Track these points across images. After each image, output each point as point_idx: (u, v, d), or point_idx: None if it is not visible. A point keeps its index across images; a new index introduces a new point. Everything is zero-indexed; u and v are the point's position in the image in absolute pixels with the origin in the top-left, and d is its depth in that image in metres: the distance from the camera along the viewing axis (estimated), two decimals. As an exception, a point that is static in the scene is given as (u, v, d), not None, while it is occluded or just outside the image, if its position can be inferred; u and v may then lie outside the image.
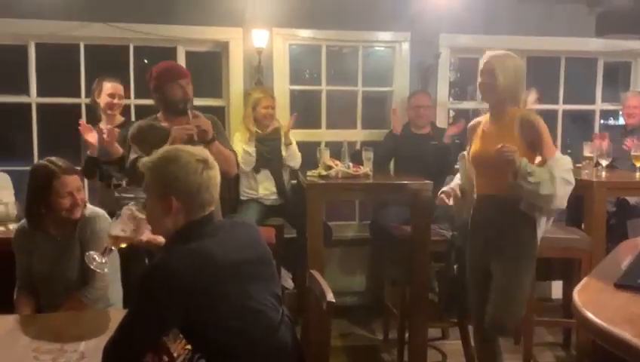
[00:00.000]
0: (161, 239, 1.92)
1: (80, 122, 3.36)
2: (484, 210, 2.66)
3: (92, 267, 1.97)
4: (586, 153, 3.64)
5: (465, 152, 2.83)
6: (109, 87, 3.52)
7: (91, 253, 1.95)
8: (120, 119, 3.57)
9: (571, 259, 3.31)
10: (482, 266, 2.67)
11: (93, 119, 3.69)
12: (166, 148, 1.82)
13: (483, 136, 2.66)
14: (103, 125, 3.51)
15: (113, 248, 1.93)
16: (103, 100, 3.52)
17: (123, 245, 1.93)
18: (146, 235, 1.93)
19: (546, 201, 2.46)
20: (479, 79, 2.62)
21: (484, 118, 2.73)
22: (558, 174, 2.43)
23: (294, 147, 3.95)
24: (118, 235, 1.87)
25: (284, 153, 3.92)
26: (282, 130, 3.96)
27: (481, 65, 2.63)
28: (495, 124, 2.62)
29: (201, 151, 1.78)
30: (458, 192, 2.80)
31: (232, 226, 1.84)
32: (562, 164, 2.48)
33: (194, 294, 1.57)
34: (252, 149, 3.82)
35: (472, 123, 2.83)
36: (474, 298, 2.75)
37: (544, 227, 2.62)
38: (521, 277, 2.56)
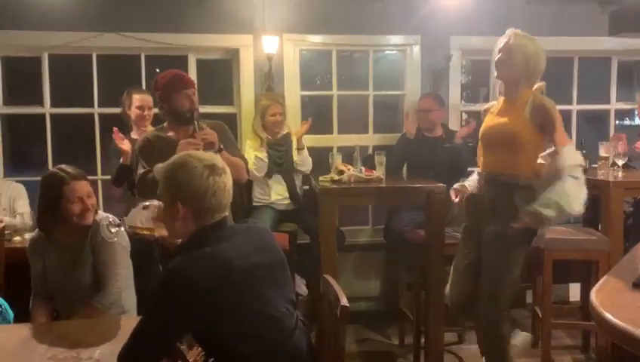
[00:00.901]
0: None
1: (114, 129, 3.38)
2: (487, 187, 2.64)
3: (102, 236, 2.02)
4: (602, 153, 3.60)
5: None
6: (137, 99, 3.56)
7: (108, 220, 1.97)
8: (151, 129, 3.59)
9: (589, 261, 3.27)
10: (475, 243, 2.65)
11: (115, 129, 3.75)
12: (178, 154, 1.82)
13: (493, 114, 2.67)
14: (133, 135, 3.56)
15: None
16: (133, 113, 3.57)
17: (145, 232, 1.95)
18: (162, 232, 1.93)
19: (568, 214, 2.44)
20: (497, 55, 2.60)
21: (497, 101, 2.73)
22: (567, 170, 2.39)
23: (306, 152, 3.95)
24: (135, 225, 1.89)
25: (295, 158, 3.92)
26: (294, 135, 3.97)
27: (500, 43, 2.61)
28: (507, 104, 2.62)
29: (211, 157, 1.78)
30: (468, 190, 2.77)
31: (247, 231, 1.83)
32: (572, 158, 2.43)
33: (209, 298, 1.56)
34: (264, 155, 3.83)
35: (485, 107, 2.83)
36: (464, 284, 2.73)
37: None
38: (511, 258, 2.53)
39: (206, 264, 1.59)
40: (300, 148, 3.92)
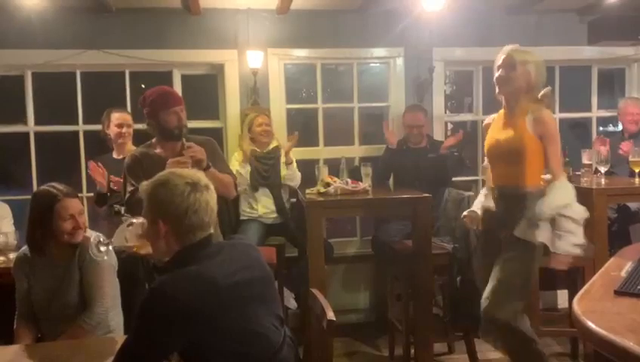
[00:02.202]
0: None
1: (90, 165, 3.45)
2: (499, 200, 2.68)
3: (91, 254, 2.05)
4: (585, 160, 3.63)
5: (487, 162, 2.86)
6: (116, 117, 3.61)
7: (98, 239, 1.96)
8: (131, 148, 3.59)
9: (575, 268, 3.29)
10: (491, 255, 2.67)
11: (100, 148, 3.80)
12: (162, 172, 1.81)
13: (495, 127, 2.71)
14: (115, 154, 3.63)
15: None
16: (112, 131, 3.60)
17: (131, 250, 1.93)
18: (147, 249, 1.91)
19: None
20: (497, 72, 2.63)
21: (497, 115, 2.76)
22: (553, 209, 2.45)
23: (295, 166, 3.95)
24: (121, 243, 1.87)
25: (283, 172, 3.92)
26: (282, 149, 3.97)
27: (499, 60, 2.64)
28: (508, 117, 2.65)
29: (193, 174, 1.76)
30: (479, 213, 2.80)
31: (232, 247, 1.82)
32: (559, 199, 2.47)
33: (193, 317, 1.55)
34: (245, 170, 3.82)
35: (486, 122, 2.86)
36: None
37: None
38: (518, 268, 2.55)
39: (191, 282, 1.58)
40: (288, 163, 3.92)
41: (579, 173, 3.60)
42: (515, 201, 2.58)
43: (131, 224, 1.87)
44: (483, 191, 2.90)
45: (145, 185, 1.76)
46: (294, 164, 3.95)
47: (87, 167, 3.64)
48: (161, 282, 1.60)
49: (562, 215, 2.44)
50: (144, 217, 1.74)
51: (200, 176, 1.78)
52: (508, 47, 2.64)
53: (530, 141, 2.53)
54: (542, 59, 2.66)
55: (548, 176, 2.56)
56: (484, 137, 2.87)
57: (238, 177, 3.76)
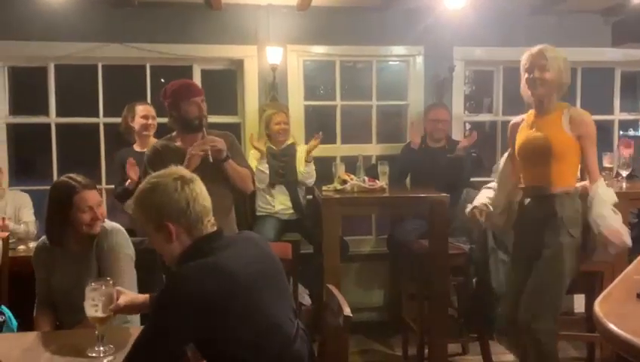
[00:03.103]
0: (133, 295, 1.95)
1: (129, 161, 3.43)
2: (532, 201, 2.65)
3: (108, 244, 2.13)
4: (606, 164, 3.58)
5: (500, 162, 2.82)
6: (141, 109, 3.66)
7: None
8: (153, 140, 3.62)
9: (593, 272, 3.25)
10: (525, 257, 2.65)
11: (120, 141, 3.83)
12: (143, 182, 1.78)
13: (528, 128, 2.66)
14: (137, 147, 3.66)
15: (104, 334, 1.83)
16: (137, 123, 3.64)
17: (107, 319, 1.81)
18: (122, 299, 1.87)
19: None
20: (527, 75, 2.60)
21: (526, 115, 2.73)
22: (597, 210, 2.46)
23: (312, 166, 3.94)
24: (95, 316, 1.79)
25: (301, 169, 3.92)
26: (305, 147, 3.96)
27: (526, 62, 2.61)
28: (541, 117, 2.62)
29: (175, 170, 1.76)
30: (490, 208, 2.78)
31: (245, 240, 1.84)
32: (603, 200, 2.48)
33: (210, 307, 1.56)
34: (264, 166, 3.83)
35: (513, 121, 2.83)
36: (511, 296, 2.70)
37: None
38: (559, 270, 2.54)
39: (207, 273, 1.59)
40: (308, 161, 3.92)
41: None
42: (549, 202, 2.55)
43: (95, 289, 1.78)
44: (492, 186, 2.87)
45: (132, 201, 1.77)
46: (312, 164, 3.94)
47: (114, 152, 3.68)
48: (179, 273, 1.63)
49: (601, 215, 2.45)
50: (147, 229, 1.72)
51: (181, 169, 1.79)
52: (536, 48, 2.60)
53: (566, 140, 2.52)
54: (564, 55, 2.64)
55: (583, 183, 2.54)
56: (509, 138, 2.81)
57: (259, 175, 3.78)
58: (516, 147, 2.72)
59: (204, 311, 1.56)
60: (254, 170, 3.76)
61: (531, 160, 2.64)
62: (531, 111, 2.70)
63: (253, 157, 3.90)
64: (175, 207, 1.67)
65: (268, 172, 3.84)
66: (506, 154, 2.87)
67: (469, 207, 2.86)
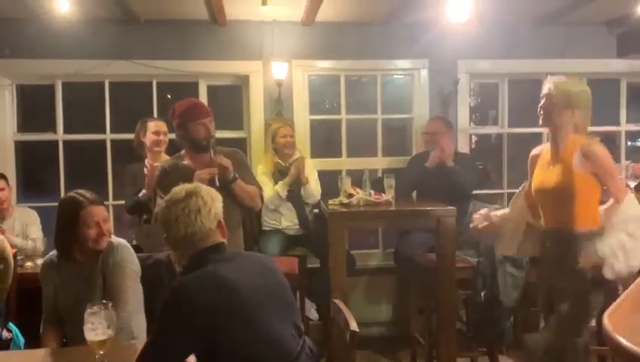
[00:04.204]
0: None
1: (149, 162, 3.48)
2: (549, 243, 2.59)
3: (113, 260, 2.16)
4: (613, 175, 3.56)
5: (524, 186, 2.78)
6: (152, 125, 3.67)
7: None
8: (165, 157, 3.64)
9: (602, 284, 3.21)
10: (546, 295, 2.64)
11: (127, 157, 3.86)
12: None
13: (542, 164, 2.59)
14: (148, 162, 3.64)
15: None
16: (148, 139, 3.65)
17: (107, 342, 1.77)
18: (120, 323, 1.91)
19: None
20: (540, 102, 2.56)
21: (545, 147, 2.65)
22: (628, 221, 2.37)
23: (312, 186, 3.92)
24: (94, 340, 1.76)
25: (312, 186, 3.91)
26: (311, 162, 3.95)
27: (544, 89, 2.56)
28: (555, 153, 2.53)
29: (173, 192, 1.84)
30: (495, 219, 2.75)
31: (248, 255, 1.93)
32: (634, 208, 2.39)
33: (209, 314, 1.59)
34: (284, 193, 3.84)
35: (533, 152, 2.74)
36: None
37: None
38: (580, 309, 2.50)
39: (205, 282, 1.64)
40: (304, 184, 3.91)
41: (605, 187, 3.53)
42: (565, 245, 2.48)
43: (94, 313, 1.76)
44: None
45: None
46: (310, 184, 3.92)
47: (122, 168, 3.74)
48: (178, 282, 1.69)
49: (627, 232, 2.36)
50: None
51: (182, 189, 1.83)
52: (550, 78, 2.55)
53: (580, 180, 2.42)
54: (586, 90, 2.56)
55: (609, 203, 2.46)
56: (529, 171, 2.72)
57: (276, 199, 3.77)
58: (532, 187, 2.64)
59: (202, 317, 1.58)
60: (271, 192, 3.77)
61: (545, 201, 2.58)
62: (548, 145, 2.61)
63: (261, 173, 3.90)
64: (173, 236, 1.77)
65: (285, 194, 3.84)
66: (522, 187, 2.80)
67: (474, 217, 2.84)
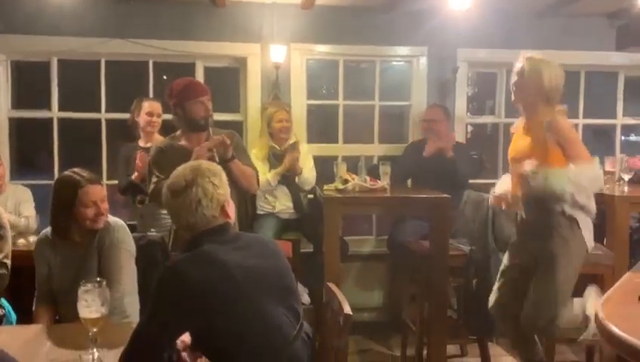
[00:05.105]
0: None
1: (140, 154, 3.47)
2: (525, 206, 2.68)
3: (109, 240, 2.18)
4: (608, 168, 3.58)
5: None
6: (147, 105, 3.66)
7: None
8: (158, 138, 3.62)
9: (594, 275, 3.24)
10: (521, 263, 2.69)
11: (122, 136, 3.86)
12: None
13: (517, 136, 2.72)
14: (141, 143, 3.67)
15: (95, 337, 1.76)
16: (142, 119, 3.65)
17: (100, 319, 1.75)
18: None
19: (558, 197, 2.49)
20: (513, 79, 2.65)
21: (520, 122, 2.76)
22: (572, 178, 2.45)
23: (306, 174, 3.90)
24: (88, 317, 1.75)
25: (306, 174, 3.90)
26: (307, 147, 3.93)
27: (516, 67, 2.64)
28: (528, 125, 2.66)
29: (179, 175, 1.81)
30: (508, 197, 2.80)
31: (250, 238, 1.87)
32: (580, 172, 2.47)
33: (201, 296, 1.59)
34: (275, 182, 3.80)
35: (511, 129, 2.86)
36: (508, 296, 2.74)
37: (591, 226, 2.61)
38: (558, 276, 2.56)
39: (199, 262, 1.64)
40: (297, 174, 3.88)
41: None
42: (538, 207, 2.57)
43: (88, 291, 1.74)
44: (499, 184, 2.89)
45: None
46: (304, 173, 3.88)
47: (117, 148, 3.74)
48: (175, 261, 1.70)
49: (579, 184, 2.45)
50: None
51: (182, 175, 1.79)
52: (523, 55, 2.64)
53: (547, 148, 2.53)
54: (557, 66, 2.63)
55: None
56: (508, 141, 2.86)
57: (266, 186, 3.74)
58: (509, 158, 2.77)
59: (196, 297, 1.59)
60: (263, 179, 3.75)
61: (515, 169, 2.68)
62: (522, 118, 2.73)
63: (255, 157, 3.88)
64: (177, 223, 1.80)
65: (275, 184, 3.82)
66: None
67: (491, 196, 2.88)
